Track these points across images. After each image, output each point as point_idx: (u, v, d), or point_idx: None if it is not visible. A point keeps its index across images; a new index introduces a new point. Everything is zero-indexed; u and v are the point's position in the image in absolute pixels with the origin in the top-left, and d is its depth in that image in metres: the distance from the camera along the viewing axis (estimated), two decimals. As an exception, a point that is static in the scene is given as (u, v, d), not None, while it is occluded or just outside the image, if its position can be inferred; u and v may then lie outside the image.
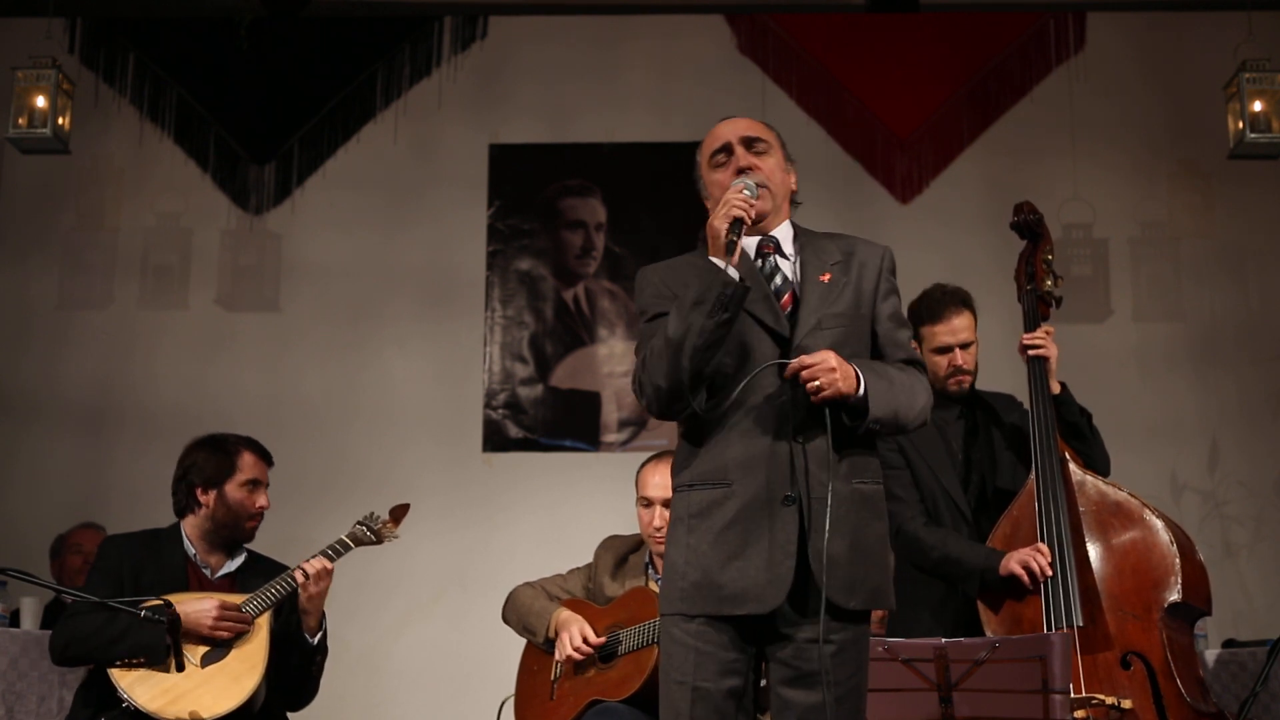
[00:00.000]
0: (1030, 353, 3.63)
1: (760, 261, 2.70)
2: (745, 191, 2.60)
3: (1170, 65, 6.13)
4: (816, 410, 2.53)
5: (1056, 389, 3.62)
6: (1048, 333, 3.66)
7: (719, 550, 2.54)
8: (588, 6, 6.36)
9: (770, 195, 2.71)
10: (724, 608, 2.51)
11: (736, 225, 2.54)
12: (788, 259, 2.72)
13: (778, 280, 2.68)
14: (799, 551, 2.50)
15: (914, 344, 3.72)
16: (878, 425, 2.56)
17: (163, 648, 3.36)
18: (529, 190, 6.21)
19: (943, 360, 3.66)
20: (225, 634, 3.50)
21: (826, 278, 2.66)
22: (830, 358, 2.51)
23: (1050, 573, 3.34)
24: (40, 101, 5.31)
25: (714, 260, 2.53)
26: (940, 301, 3.68)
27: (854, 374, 2.53)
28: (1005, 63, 6.19)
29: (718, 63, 6.19)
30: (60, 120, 5.35)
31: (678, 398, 2.56)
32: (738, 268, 2.52)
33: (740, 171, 2.69)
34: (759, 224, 2.70)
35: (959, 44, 6.20)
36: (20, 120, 5.32)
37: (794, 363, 2.53)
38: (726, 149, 2.73)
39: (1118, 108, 6.11)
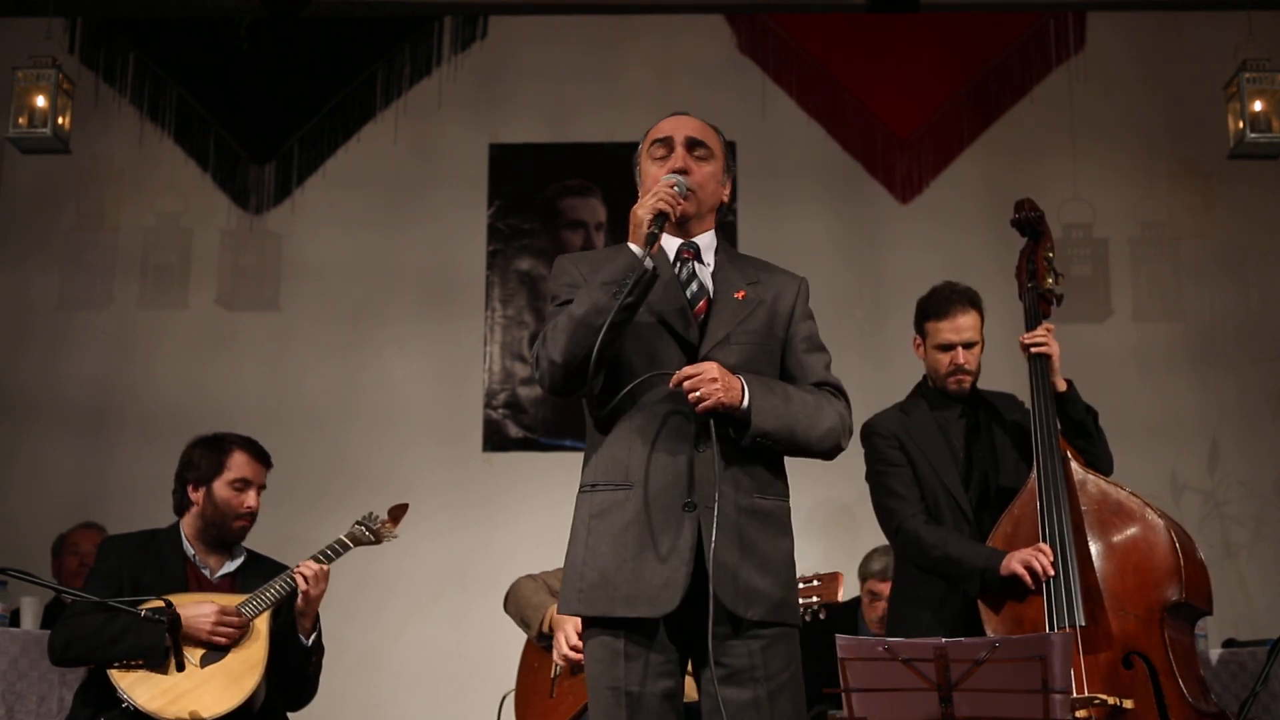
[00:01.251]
0: (1032, 350, 3.62)
1: (678, 266, 2.70)
2: (675, 188, 2.61)
3: (1170, 65, 6.13)
4: (718, 417, 2.54)
5: (1062, 386, 3.61)
6: (1048, 330, 3.66)
7: (616, 551, 2.54)
8: (588, 6, 6.36)
9: (697, 201, 2.70)
10: (618, 608, 2.52)
11: (660, 218, 2.56)
12: (705, 267, 2.72)
13: (693, 287, 2.68)
14: (697, 558, 2.50)
15: (917, 340, 3.73)
16: (765, 439, 2.57)
17: (161, 649, 3.37)
18: (529, 190, 6.21)
19: (944, 358, 3.66)
20: (223, 640, 3.49)
21: (741, 295, 2.67)
22: (712, 369, 2.53)
23: (1053, 572, 3.33)
24: (40, 101, 5.32)
25: (631, 246, 2.55)
26: (948, 299, 3.68)
27: (739, 386, 2.54)
28: (1005, 63, 6.19)
29: (718, 63, 6.19)
30: (60, 120, 5.35)
31: (572, 375, 2.56)
32: (654, 259, 2.53)
33: (675, 171, 2.69)
34: (682, 226, 2.71)
35: (959, 44, 6.20)
36: (20, 120, 5.32)
37: (676, 375, 2.54)
38: (668, 143, 2.73)
39: (1118, 108, 6.11)
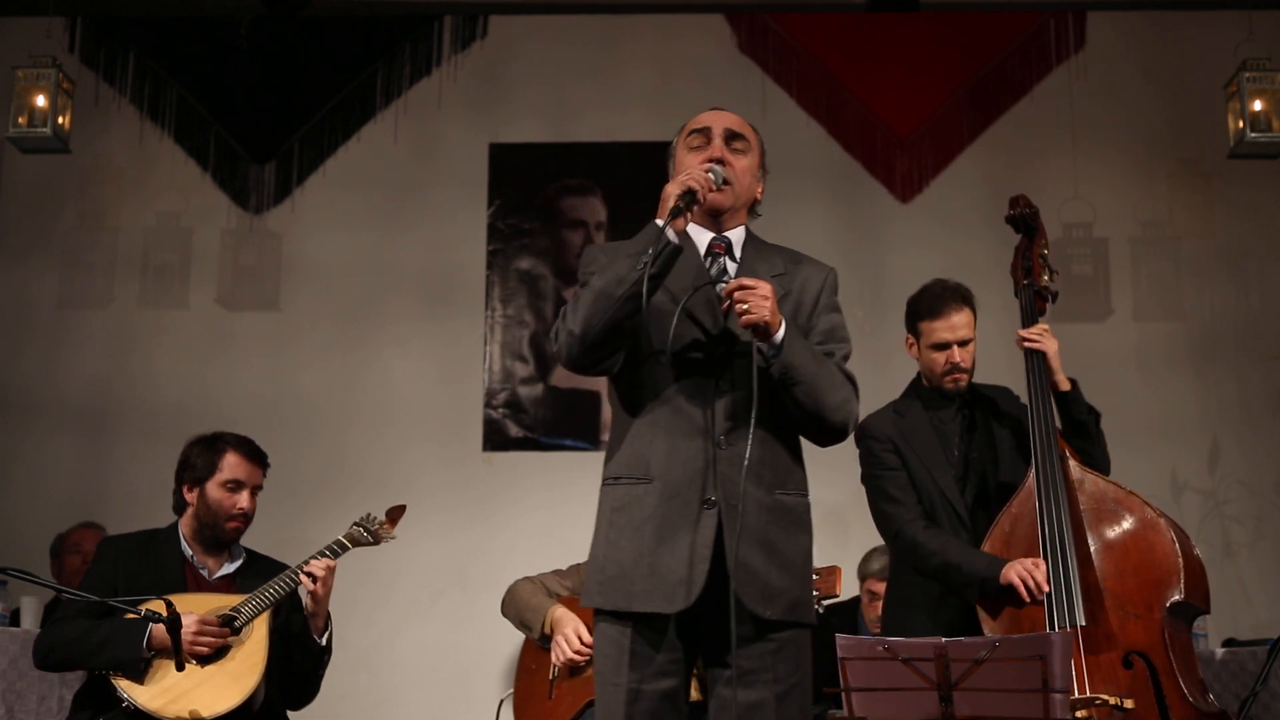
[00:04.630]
0: (1026, 345, 3.61)
1: (709, 261, 2.70)
2: (710, 174, 2.60)
3: (1170, 65, 6.13)
4: (742, 412, 2.53)
5: (1065, 385, 3.59)
6: (1044, 330, 3.65)
7: (635, 545, 2.54)
8: (588, 6, 6.36)
9: (732, 193, 2.70)
10: (634, 603, 2.51)
11: (688, 195, 2.54)
12: (735, 262, 2.71)
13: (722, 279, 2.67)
14: (716, 555, 2.50)
15: (910, 340, 3.72)
16: (790, 375, 2.54)
17: (139, 662, 3.38)
18: (529, 189, 6.21)
19: (940, 357, 3.63)
20: (204, 650, 3.46)
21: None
22: (767, 287, 2.52)
23: (1047, 589, 3.32)
24: (40, 101, 5.32)
25: (656, 221, 2.54)
26: (940, 297, 3.64)
27: (780, 320, 2.53)
28: (1005, 62, 6.19)
29: (718, 62, 6.19)
30: (60, 120, 5.36)
31: (589, 347, 2.54)
32: (678, 236, 2.52)
33: (711, 161, 2.69)
34: (716, 219, 2.71)
35: (959, 44, 6.20)
36: (20, 120, 5.33)
37: (732, 282, 2.53)
38: (706, 133, 2.73)
39: (1118, 107, 6.11)
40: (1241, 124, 5.24)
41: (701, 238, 2.71)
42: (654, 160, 5.96)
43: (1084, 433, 3.60)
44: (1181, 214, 6.06)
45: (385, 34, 6.29)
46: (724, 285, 2.57)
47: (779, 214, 6.11)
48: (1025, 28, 6.20)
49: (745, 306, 2.50)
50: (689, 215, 2.57)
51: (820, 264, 2.79)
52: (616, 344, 2.55)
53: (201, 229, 6.17)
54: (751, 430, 2.50)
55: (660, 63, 6.24)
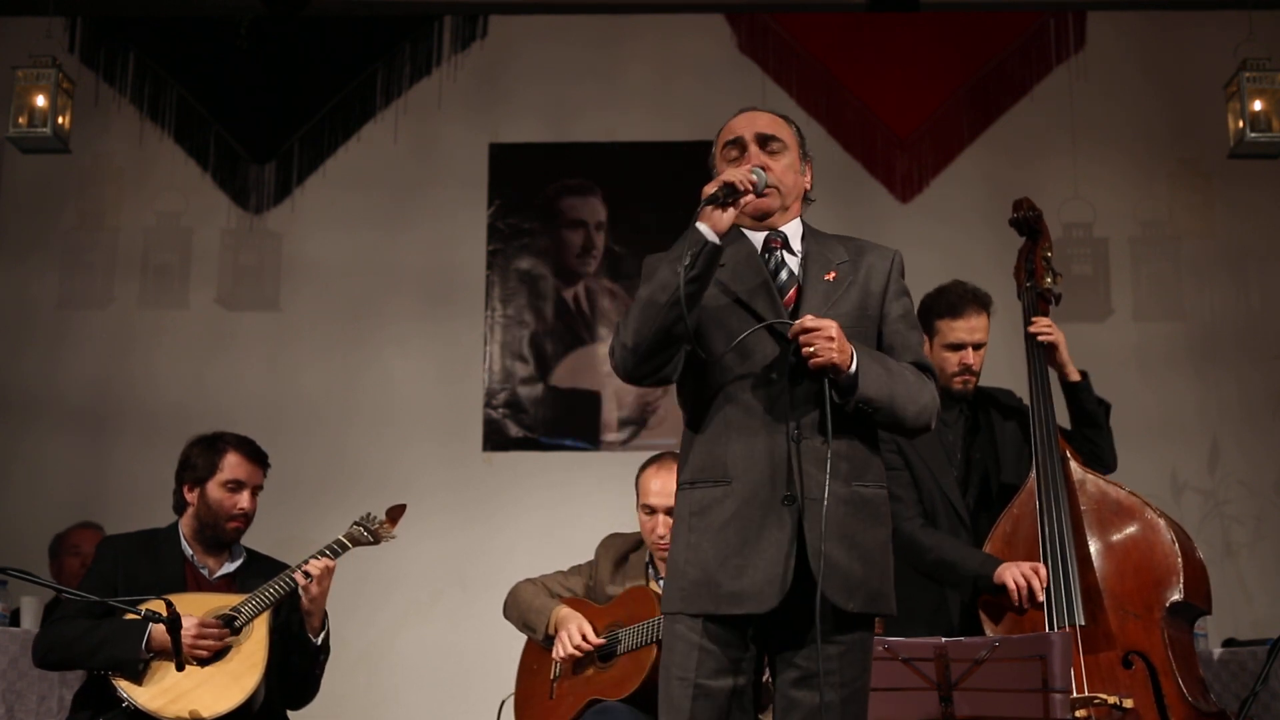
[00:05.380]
0: (1040, 338, 3.62)
1: (767, 256, 2.68)
2: (754, 175, 2.57)
3: (1170, 64, 6.13)
4: (814, 407, 2.53)
5: (1075, 376, 3.61)
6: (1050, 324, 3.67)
7: (718, 548, 2.52)
8: (588, 6, 6.36)
9: (779, 196, 2.69)
10: (722, 606, 2.50)
11: (727, 188, 2.51)
12: (795, 255, 2.70)
13: (783, 276, 2.66)
14: (798, 552, 2.49)
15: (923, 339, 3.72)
16: (869, 407, 2.54)
17: (136, 663, 3.38)
18: (529, 189, 6.20)
19: (953, 357, 3.64)
20: (204, 653, 3.45)
21: (832, 276, 2.65)
22: (832, 327, 2.50)
23: (1041, 598, 3.32)
24: (40, 101, 5.32)
25: (697, 225, 2.52)
26: (963, 298, 3.66)
27: (850, 351, 2.52)
28: (1005, 62, 6.19)
29: (718, 62, 6.19)
30: (60, 119, 5.35)
31: (643, 358, 2.55)
32: (722, 236, 2.50)
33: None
34: (766, 220, 2.69)
35: (959, 44, 6.20)
36: (20, 120, 5.32)
37: (798, 323, 2.51)
38: (739, 143, 2.71)
39: (1118, 107, 6.11)
40: (1241, 124, 5.24)
41: (756, 236, 2.70)
42: (654, 160, 6.10)
43: (1094, 422, 3.61)
44: (1181, 214, 6.05)
45: (385, 34, 6.29)
46: (787, 322, 2.55)
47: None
48: (1025, 28, 6.20)
49: (812, 349, 2.48)
50: (735, 210, 2.53)
51: (884, 248, 2.77)
52: (671, 351, 2.54)
53: (201, 229, 6.17)
54: (830, 444, 2.48)
55: (660, 63, 6.24)
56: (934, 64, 6.18)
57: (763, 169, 2.65)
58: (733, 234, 2.61)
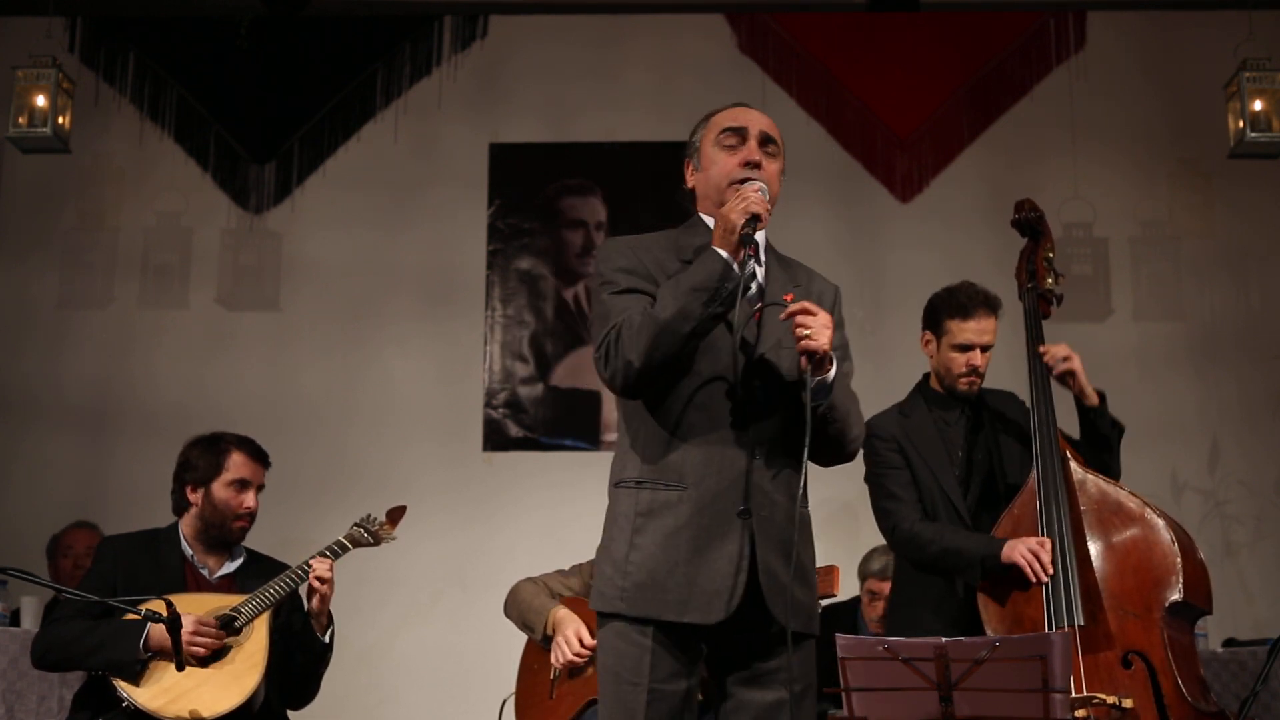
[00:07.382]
0: (1060, 369, 3.59)
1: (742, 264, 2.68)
2: (761, 193, 2.56)
3: (1170, 64, 6.13)
4: (776, 421, 2.53)
5: (1094, 399, 3.59)
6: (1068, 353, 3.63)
7: (668, 554, 2.51)
8: (588, 6, 6.36)
9: (769, 202, 2.68)
10: (667, 613, 2.49)
11: (753, 221, 2.49)
12: (761, 267, 2.68)
13: (753, 288, 2.64)
14: (750, 567, 2.49)
15: (928, 337, 3.71)
16: (832, 415, 2.56)
17: (134, 665, 3.38)
18: (529, 189, 6.21)
19: (961, 358, 3.63)
20: (201, 652, 3.44)
21: (790, 298, 2.60)
22: (829, 318, 2.50)
23: (1051, 572, 3.32)
24: (40, 101, 5.32)
25: (719, 251, 2.49)
26: (973, 299, 3.64)
27: (833, 355, 2.53)
28: (1005, 62, 6.19)
29: (718, 62, 6.19)
30: (60, 119, 5.36)
31: (647, 380, 2.52)
32: (740, 265, 2.49)
33: (748, 164, 2.66)
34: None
35: (959, 44, 6.20)
36: (20, 119, 5.33)
37: (801, 304, 2.49)
38: (741, 134, 2.69)
39: (1118, 107, 6.11)
40: (1241, 124, 5.24)
41: None
42: (654, 160, 6.09)
43: (1106, 446, 3.60)
44: (1181, 214, 6.06)
45: (385, 34, 6.29)
46: (781, 303, 2.54)
47: (779, 214, 6.08)
48: (1025, 28, 6.21)
49: (807, 332, 2.46)
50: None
51: (826, 279, 2.79)
52: (673, 373, 2.54)
53: (201, 229, 6.18)
54: (806, 451, 2.47)
55: (660, 63, 6.24)
56: (934, 64, 6.18)
57: (758, 165, 2.65)
58: (704, 234, 2.61)
